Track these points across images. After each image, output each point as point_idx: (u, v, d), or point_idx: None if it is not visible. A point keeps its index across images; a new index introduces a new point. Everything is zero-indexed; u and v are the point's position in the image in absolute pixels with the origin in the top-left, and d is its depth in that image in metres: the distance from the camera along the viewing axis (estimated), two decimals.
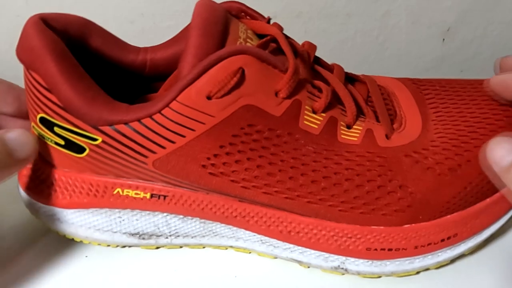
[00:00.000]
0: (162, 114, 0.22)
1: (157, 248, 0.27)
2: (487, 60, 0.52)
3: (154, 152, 0.23)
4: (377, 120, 0.26)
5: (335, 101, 0.25)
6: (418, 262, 0.25)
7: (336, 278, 0.26)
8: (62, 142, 0.24)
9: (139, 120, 0.22)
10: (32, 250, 0.27)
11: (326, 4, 0.48)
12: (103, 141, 0.23)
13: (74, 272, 0.26)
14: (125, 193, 0.25)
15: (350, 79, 0.28)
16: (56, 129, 0.24)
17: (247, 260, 0.27)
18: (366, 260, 0.25)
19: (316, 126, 0.24)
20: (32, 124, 0.25)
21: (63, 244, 0.27)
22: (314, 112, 0.24)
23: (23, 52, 0.23)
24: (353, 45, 0.50)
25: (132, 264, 0.26)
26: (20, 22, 0.24)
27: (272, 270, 0.26)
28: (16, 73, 0.27)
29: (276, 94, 0.23)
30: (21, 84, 0.26)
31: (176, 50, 0.27)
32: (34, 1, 0.31)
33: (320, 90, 0.25)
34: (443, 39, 0.49)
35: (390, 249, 0.24)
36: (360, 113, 0.26)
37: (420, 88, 0.28)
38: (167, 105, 0.22)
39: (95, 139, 0.23)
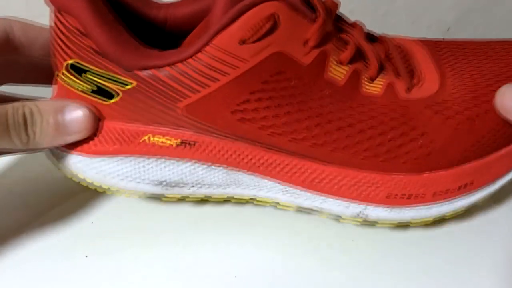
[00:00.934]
0: (196, 58, 0.23)
1: (181, 199, 0.28)
2: None
3: (187, 96, 0.24)
4: (398, 75, 0.27)
5: (358, 55, 0.26)
6: (436, 208, 0.26)
7: (340, 273, 0.25)
8: (92, 88, 0.24)
9: (172, 64, 0.23)
10: (31, 249, 0.27)
11: None
12: (135, 86, 0.24)
13: (74, 272, 0.25)
14: (152, 140, 0.26)
15: (370, 38, 0.29)
16: (85, 75, 0.24)
17: (247, 260, 0.26)
18: (386, 207, 0.26)
19: (340, 78, 0.25)
20: (57, 72, 0.26)
21: (62, 244, 0.27)
22: (339, 63, 0.25)
23: None
24: None
25: (132, 264, 0.26)
26: None
27: (272, 270, 0.26)
28: None
29: (305, 43, 0.24)
30: None
31: (195, 8, 0.27)
32: (34, 1, 0.31)
33: (345, 43, 0.25)
34: (443, 39, 0.51)
35: (409, 196, 0.25)
36: (381, 68, 0.27)
37: (436, 48, 0.29)
38: (200, 50, 0.23)
39: (127, 84, 0.24)
